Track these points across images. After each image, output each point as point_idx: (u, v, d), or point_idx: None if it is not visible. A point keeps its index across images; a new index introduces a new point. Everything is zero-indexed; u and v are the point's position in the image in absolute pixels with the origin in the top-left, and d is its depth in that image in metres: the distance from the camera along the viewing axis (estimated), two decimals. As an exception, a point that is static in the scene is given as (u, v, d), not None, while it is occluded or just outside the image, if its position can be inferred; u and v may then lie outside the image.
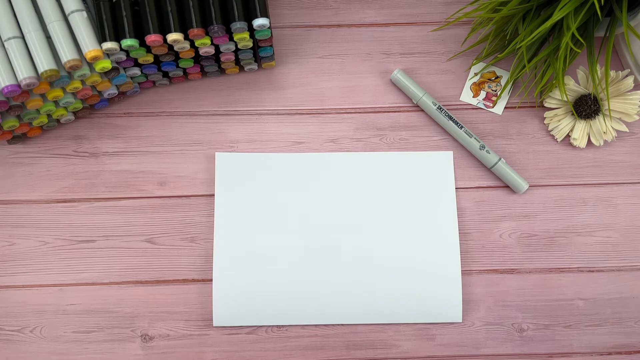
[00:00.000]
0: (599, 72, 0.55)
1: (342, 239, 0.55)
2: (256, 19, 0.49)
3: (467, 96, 0.59)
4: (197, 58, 0.54)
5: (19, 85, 0.46)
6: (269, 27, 0.50)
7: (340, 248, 0.55)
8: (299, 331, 0.55)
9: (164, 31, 0.48)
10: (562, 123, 0.57)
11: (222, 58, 0.54)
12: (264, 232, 0.55)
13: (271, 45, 0.54)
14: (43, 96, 0.51)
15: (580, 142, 0.57)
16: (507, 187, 0.57)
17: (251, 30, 0.50)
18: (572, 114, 0.57)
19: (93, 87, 0.53)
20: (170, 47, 0.51)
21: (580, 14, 0.49)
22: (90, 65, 0.50)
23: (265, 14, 0.49)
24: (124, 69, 0.53)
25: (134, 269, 0.56)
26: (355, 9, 0.61)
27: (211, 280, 0.55)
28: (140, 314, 0.55)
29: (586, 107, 0.56)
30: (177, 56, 0.53)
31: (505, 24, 0.55)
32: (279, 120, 0.58)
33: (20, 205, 0.56)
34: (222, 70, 0.58)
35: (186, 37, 0.49)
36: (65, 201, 0.57)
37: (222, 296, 0.54)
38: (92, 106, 0.57)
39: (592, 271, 0.56)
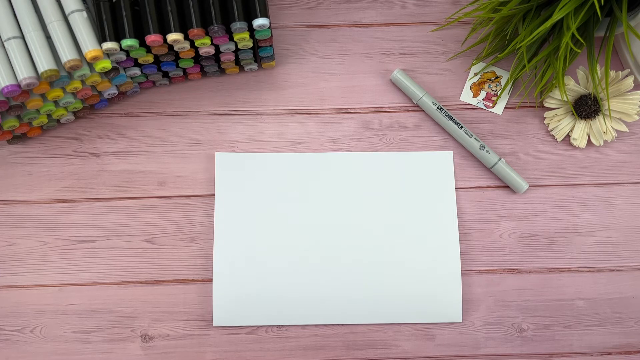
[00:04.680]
0: (599, 72, 0.55)
1: (342, 239, 0.55)
2: (256, 19, 0.49)
3: (467, 96, 0.59)
4: (197, 58, 0.54)
5: (19, 85, 0.46)
6: (269, 27, 0.50)
7: (340, 248, 0.55)
8: (299, 331, 0.55)
9: (164, 31, 0.48)
10: (562, 123, 0.57)
11: (222, 58, 0.54)
12: (264, 232, 0.55)
13: (271, 45, 0.54)
14: (43, 96, 0.51)
15: (580, 142, 0.57)
16: (507, 187, 0.57)
17: (251, 30, 0.50)
18: (572, 114, 0.57)
19: (93, 87, 0.53)
20: (170, 47, 0.51)
21: (580, 14, 0.49)
22: (90, 65, 0.50)
23: (265, 14, 0.49)
24: (124, 69, 0.53)
25: (134, 269, 0.56)
26: (355, 9, 0.61)
27: (211, 280, 0.55)
28: (140, 314, 0.55)
29: (586, 107, 0.56)
30: (177, 56, 0.53)
31: (505, 24, 0.55)
32: (279, 120, 0.58)
33: (20, 205, 0.56)
34: (222, 70, 0.58)
35: (186, 37, 0.49)
36: (65, 201, 0.57)
37: (222, 296, 0.54)
38: (92, 106, 0.57)
39: (592, 271, 0.56)
